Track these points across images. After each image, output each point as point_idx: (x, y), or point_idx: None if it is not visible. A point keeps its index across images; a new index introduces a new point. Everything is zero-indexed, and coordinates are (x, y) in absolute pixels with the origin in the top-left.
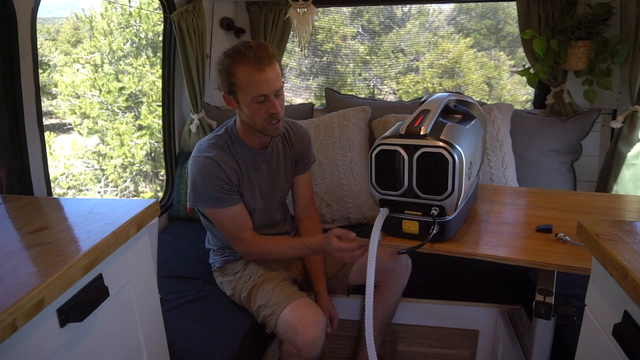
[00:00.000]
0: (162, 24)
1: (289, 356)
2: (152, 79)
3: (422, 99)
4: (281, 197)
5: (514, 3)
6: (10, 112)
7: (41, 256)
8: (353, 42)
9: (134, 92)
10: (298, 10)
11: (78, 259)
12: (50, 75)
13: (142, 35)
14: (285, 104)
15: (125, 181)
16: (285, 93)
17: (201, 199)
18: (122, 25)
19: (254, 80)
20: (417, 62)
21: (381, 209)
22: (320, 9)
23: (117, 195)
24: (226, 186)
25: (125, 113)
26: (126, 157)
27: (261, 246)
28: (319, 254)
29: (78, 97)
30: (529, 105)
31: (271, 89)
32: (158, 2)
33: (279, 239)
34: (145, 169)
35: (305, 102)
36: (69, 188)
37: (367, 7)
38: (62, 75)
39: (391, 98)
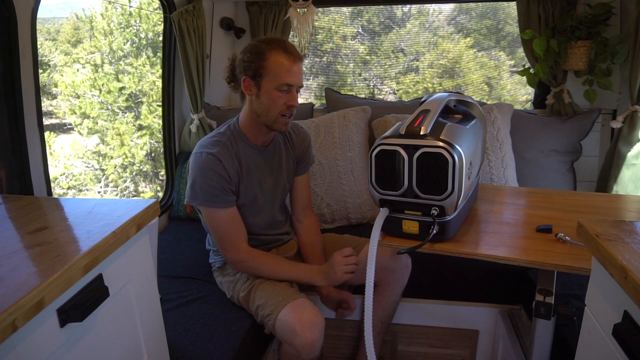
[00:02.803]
0: (162, 24)
1: (288, 357)
2: (152, 79)
3: (422, 99)
4: (282, 196)
5: (514, 3)
6: (10, 112)
7: (41, 256)
8: (353, 42)
9: (134, 92)
10: (298, 10)
11: (78, 259)
12: (50, 75)
13: (142, 35)
14: None
15: (125, 181)
16: None
17: (199, 196)
18: (122, 25)
19: (286, 67)
20: (417, 62)
21: (381, 209)
22: (320, 9)
23: (117, 195)
24: (226, 184)
25: (125, 113)
26: (126, 157)
27: (258, 261)
28: (312, 281)
29: (78, 97)
30: (529, 105)
31: (297, 82)
32: (158, 2)
33: (276, 261)
34: (145, 169)
35: (305, 102)
36: (69, 188)
37: (367, 7)
38: (62, 75)
39: (391, 98)
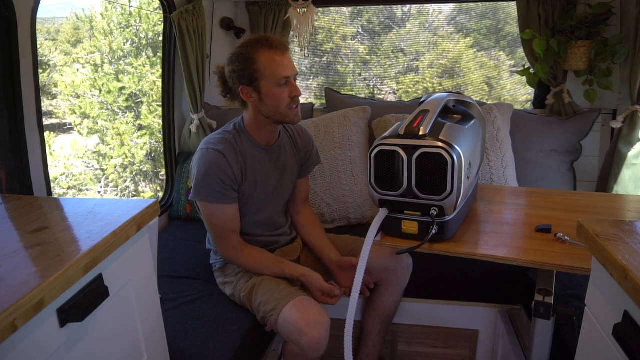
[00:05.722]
0: (162, 24)
1: (293, 356)
2: (152, 79)
3: (422, 99)
4: (285, 197)
5: (514, 3)
6: (10, 112)
7: (41, 256)
8: (353, 42)
9: (134, 92)
10: (298, 10)
11: (78, 259)
12: (50, 75)
13: (142, 35)
14: None
15: (125, 181)
16: None
17: (203, 191)
18: (122, 25)
19: (278, 62)
20: (417, 62)
21: (380, 209)
22: (320, 9)
23: (117, 195)
24: (229, 181)
25: (126, 113)
26: (126, 157)
27: (244, 259)
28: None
29: (78, 97)
30: (529, 105)
31: (293, 72)
32: (158, 2)
33: (262, 258)
34: (145, 169)
35: (305, 102)
36: (69, 188)
37: (367, 7)
38: (62, 75)
39: (391, 98)
